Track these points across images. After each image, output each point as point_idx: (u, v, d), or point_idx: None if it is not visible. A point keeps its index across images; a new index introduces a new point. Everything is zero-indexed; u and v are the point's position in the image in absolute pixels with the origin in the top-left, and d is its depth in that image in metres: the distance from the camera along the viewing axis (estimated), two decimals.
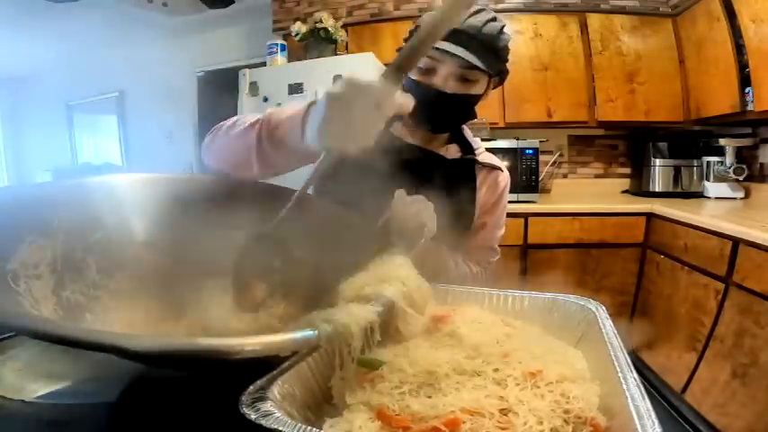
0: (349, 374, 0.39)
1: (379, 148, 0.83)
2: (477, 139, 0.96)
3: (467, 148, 0.92)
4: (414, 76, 0.84)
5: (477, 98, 0.84)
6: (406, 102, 0.53)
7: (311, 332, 0.37)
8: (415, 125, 0.88)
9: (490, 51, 0.78)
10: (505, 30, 0.81)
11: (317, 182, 0.60)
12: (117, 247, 0.54)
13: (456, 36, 0.77)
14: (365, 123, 0.49)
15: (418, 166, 0.84)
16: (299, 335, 0.36)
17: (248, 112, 2.58)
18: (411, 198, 0.68)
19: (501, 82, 0.89)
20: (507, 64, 0.85)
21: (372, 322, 0.41)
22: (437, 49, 0.77)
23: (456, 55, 0.75)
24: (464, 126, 0.95)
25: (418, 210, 0.65)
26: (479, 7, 0.79)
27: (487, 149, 0.98)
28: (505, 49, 0.82)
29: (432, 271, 0.78)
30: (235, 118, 0.72)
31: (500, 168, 0.94)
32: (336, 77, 2.28)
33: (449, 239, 0.83)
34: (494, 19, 0.79)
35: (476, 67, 0.77)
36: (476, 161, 0.91)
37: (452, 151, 0.92)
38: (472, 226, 0.91)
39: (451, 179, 0.87)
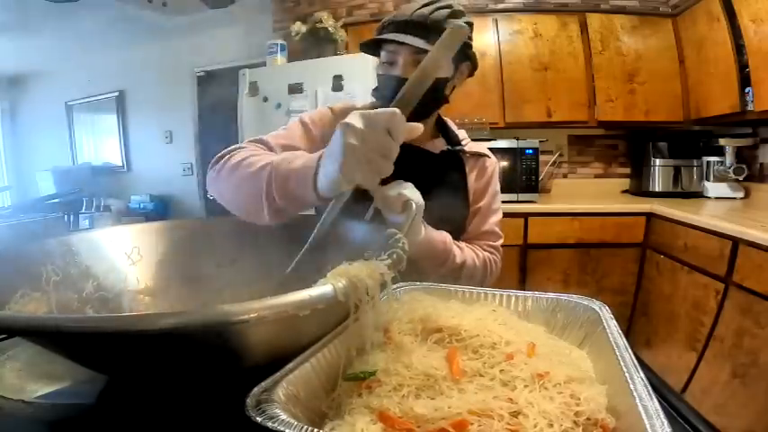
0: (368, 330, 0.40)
1: None
2: (462, 131, 0.99)
3: (452, 139, 0.95)
4: (380, 70, 0.89)
5: (440, 82, 0.85)
6: (416, 127, 0.56)
7: (328, 287, 0.37)
8: None
9: (438, 34, 0.80)
10: (456, 15, 0.83)
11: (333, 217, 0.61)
12: (113, 295, 0.59)
13: (405, 25, 0.82)
14: (383, 154, 0.52)
15: (407, 163, 0.84)
16: (315, 291, 0.36)
17: (249, 112, 2.58)
18: (390, 184, 0.69)
19: (473, 68, 0.93)
20: (470, 48, 0.89)
21: (384, 273, 0.42)
22: (391, 41, 0.83)
23: (405, 43, 0.80)
24: (447, 119, 0.98)
25: (399, 190, 0.66)
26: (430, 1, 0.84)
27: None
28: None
29: (440, 259, 0.79)
30: (239, 155, 0.72)
31: (486, 155, 0.97)
32: (336, 78, 2.29)
33: (449, 230, 0.85)
34: (446, 7, 0.83)
35: (426, 51, 0.78)
36: (463, 151, 0.94)
37: (439, 144, 0.94)
38: (469, 213, 0.93)
39: (441, 171, 0.90)
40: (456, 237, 0.88)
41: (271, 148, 0.82)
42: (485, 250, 0.92)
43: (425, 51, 0.77)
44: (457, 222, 0.92)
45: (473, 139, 1.02)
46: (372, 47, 0.89)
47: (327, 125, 0.90)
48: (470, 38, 0.88)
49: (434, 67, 0.59)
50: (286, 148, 0.83)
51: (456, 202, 0.91)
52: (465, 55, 0.89)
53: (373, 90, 0.91)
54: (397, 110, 0.52)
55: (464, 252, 0.86)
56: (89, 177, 3.94)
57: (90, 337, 0.34)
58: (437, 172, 0.88)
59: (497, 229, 0.96)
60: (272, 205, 0.64)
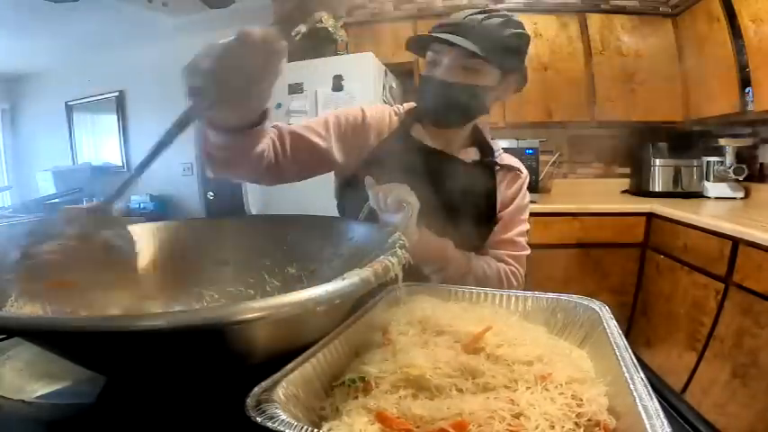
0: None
1: (395, 151, 0.84)
2: (497, 141, 0.97)
3: (486, 150, 0.93)
4: (423, 71, 0.86)
5: (483, 90, 0.83)
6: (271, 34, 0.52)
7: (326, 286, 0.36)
8: (431, 123, 0.90)
9: (490, 41, 0.79)
10: (512, 25, 0.82)
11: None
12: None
13: (455, 27, 0.80)
14: (247, 78, 0.49)
15: (436, 169, 0.86)
16: (316, 291, 0.35)
17: None
18: (385, 184, 0.69)
19: (522, 81, 0.89)
20: (522, 61, 0.86)
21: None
22: (439, 40, 0.80)
23: (454, 44, 0.77)
24: (484, 130, 0.96)
25: (395, 190, 0.66)
26: (486, 10, 0.82)
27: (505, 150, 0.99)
28: (509, 41, 0.82)
29: (435, 264, 0.79)
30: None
31: (519, 169, 0.95)
32: (336, 78, 2.28)
33: (471, 239, 0.84)
34: (500, 16, 0.81)
35: (476, 56, 0.78)
36: (495, 163, 0.92)
37: (471, 154, 0.93)
38: (495, 221, 0.91)
39: (470, 181, 0.87)
40: (480, 245, 0.87)
41: (279, 130, 0.82)
42: (503, 261, 0.89)
43: (473, 55, 0.78)
44: (482, 231, 0.90)
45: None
46: (418, 47, 0.87)
47: (353, 124, 0.90)
48: (523, 49, 0.85)
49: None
50: (296, 133, 0.83)
51: (482, 211, 0.89)
52: (514, 65, 0.85)
53: (415, 90, 0.89)
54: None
55: (472, 262, 0.84)
56: (89, 177, 3.94)
57: (89, 338, 0.34)
58: (464, 181, 0.86)
59: (521, 240, 0.92)
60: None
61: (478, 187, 0.89)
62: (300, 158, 0.84)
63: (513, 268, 0.89)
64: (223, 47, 0.47)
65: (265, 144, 0.73)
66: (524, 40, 0.84)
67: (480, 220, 0.89)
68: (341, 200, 0.97)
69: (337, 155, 0.88)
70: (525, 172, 0.96)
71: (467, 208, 0.83)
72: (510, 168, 0.94)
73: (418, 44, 0.86)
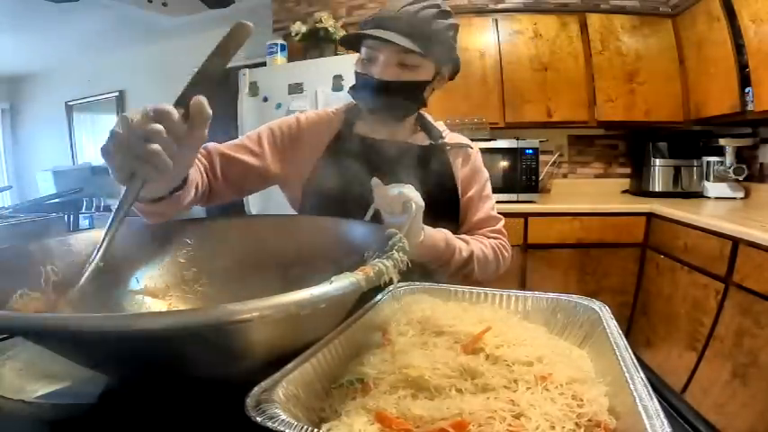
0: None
1: (348, 150, 0.84)
2: (441, 123, 0.98)
3: (434, 133, 0.94)
4: (358, 68, 0.85)
5: (422, 84, 0.84)
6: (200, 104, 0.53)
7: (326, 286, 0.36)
8: (373, 118, 0.89)
9: (426, 36, 0.78)
10: (444, 16, 0.81)
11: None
12: (114, 296, 0.58)
13: (390, 22, 0.78)
14: (146, 140, 0.47)
15: (393, 158, 0.85)
16: (316, 290, 0.35)
17: (249, 112, 2.58)
18: (390, 185, 0.69)
19: (455, 71, 0.90)
20: (455, 51, 0.86)
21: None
22: (373, 37, 0.78)
23: (389, 41, 0.76)
24: (426, 115, 0.97)
25: (399, 190, 0.66)
26: None
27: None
28: (443, 34, 0.81)
29: (445, 257, 0.79)
30: None
31: (468, 145, 0.96)
32: (336, 78, 2.28)
33: (443, 222, 0.84)
34: (433, 6, 0.79)
35: (412, 52, 0.77)
36: (446, 144, 0.93)
37: (421, 139, 0.93)
38: (460, 203, 0.93)
39: (427, 164, 0.89)
40: (451, 229, 0.86)
41: (209, 152, 0.81)
42: (490, 237, 0.91)
43: (409, 51, 0.76)
44: (450, 212, 0.91)
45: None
46: (353, 43, 0.85)
47: (289, 135, 0.89)
48: (455, 39, 0.85)
49: (213, 68, 0.55)
50: (226, 155, 0.82)
51: (445, 193, 0.90)
52: (448, 57, 0.86)
53: (350, 88, 0.88)
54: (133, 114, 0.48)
55: (470, 244, 0.84)
56: (89, 177, 3.94)
57: (89, 337, 0.34)
58: (422, 164, 0.87)
59: (494, 213, 0.94)
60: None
61: (437, 168, 0.89)
62: (233, 180, 0.83)
63: (500, 242, 0.91)
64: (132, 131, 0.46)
65: (196, 176, 0.71)
66: (456, 29, 0.84)
67: (445, 201, 0.89)
68: (307, 205, 0.92)
69: (274, 167, 0.87)
70: (474, 146, 0.97)
71: (430, 191, 0.79)
72: (460, 146, 0.95)
73: (352, 40, 0.85)
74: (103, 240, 0.49)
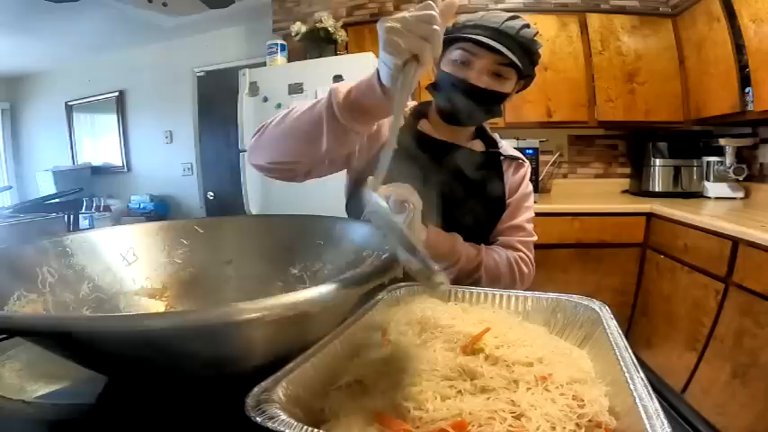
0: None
1: (409, 146, 0.84)
2: (497, 135, 1.01)
3: (490, 142, 0.97)
4: (446, 68, 0.86)
5: (504, 96, 0.86)
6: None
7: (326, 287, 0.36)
8: (443, 119, 0.91)
9: (525, 52, 0.82)
10: (537, 36, 0.84)
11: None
12: (110, 296, 0.58)
13: (494, 32, 0.80)
14: (422, 35, 0.50)
15: (448, 160, 0.88)
16: (312, 292, 0.35)
17: (249, 112, 2.58)
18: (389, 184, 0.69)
19: (525, 86, 0.93)
20: (535, 69, 0.89)
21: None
22: (475, 42, 0.80)
23: (495, 49, 0.78)
24: (484, 124, 0.99)
25: (396, 190, 0.66)
26: (514, 14, 0.83)
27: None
28: (537, 55, 0.86)
29: (446, 261, 0.79)
30: (283, 112, 0.74)
31: (521, 159, 1.00)
32: (336, 78, 2.28)
33: (483, 226, 0.87)
34: (528, 25, 0.83)
35: (510, 65, 0.80)
36: (500, 153, 0.96)
37: (477, 146, 0.96)
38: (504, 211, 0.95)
39: (480, 169, 0.90)
40: (491, 232, 0.89)
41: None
42: (513, 247, 0.92)
43: (509, 64, 0.80)
44: (492, 219, 0.93)
45: None
46: (446, 41, 0.85)
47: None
48: (539, 55, 0.88)
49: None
50: None
51: (492, 197, 0.92)
52: (532, 75, 0.89)
53: (430, 85, 0.89)
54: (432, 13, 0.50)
55: (481, 254, 0.85)
56: (89, 177, 3.95)
57: (89, 337, 0.34)
58: (476, 170, 0.90)
59: (528, 227, 0.95)
60: (332, 126, 0.65)
61: (489, 175, 0.92)
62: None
63: (522, 254, 0.91)
64: None
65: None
66: (541, 50, 0.88)
67: (491, 206, 0.92)
68: (350, 198, 0.98)
69: (357, 153, 0.89)
70: (527, 162, 1.01)
71: (479, 195, 0.86)
72: (513, 158, 0.98)
73: (448, 39, 0.85)
74: (394, 126, 0.50)
